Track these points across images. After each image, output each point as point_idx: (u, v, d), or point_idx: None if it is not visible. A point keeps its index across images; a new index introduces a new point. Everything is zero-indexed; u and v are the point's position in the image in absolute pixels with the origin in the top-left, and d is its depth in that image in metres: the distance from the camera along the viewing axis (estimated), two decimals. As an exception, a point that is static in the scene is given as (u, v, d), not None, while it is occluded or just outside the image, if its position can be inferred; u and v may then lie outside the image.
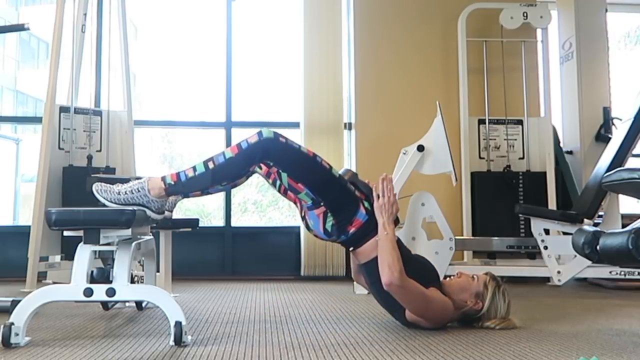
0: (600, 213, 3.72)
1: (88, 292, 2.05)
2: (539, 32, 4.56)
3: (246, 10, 5.06)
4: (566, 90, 4.66)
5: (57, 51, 3.83)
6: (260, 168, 2.35)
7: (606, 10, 4.61)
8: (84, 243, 2.09)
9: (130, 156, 4.14)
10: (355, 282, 3.53)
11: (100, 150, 4.10)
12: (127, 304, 2.87)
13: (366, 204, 2.36)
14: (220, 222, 4.86)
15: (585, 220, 3.47)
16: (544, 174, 4.33)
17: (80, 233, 2.09)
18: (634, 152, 3.66)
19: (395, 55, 4.66)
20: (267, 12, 5.61)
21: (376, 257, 2.28)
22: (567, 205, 4.16)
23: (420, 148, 3.42)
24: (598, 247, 1.85)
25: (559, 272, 3.48)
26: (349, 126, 4.70)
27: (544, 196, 4.26)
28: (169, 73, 7.02)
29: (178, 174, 2.17)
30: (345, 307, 2.97)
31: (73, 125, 4.00)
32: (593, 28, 4.57)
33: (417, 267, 2.33)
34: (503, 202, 4.21)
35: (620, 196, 3.77)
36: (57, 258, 3.89)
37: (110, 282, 2.10)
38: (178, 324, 2.00)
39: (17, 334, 1.98)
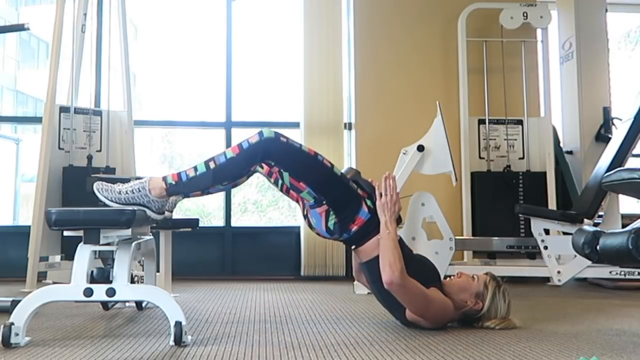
0: (600, 213, 3.72)
1: (88, 292, 2.05)
2: (539, 32, 4.56)
3: (246, 10, 5.06)
4: (566, 90, 4.66)
5: (57, 51, 3.83)
6: (262, 167, 2.35)
7: (606, 10, 4.61)
8: (84, 243, 2.09)
9: (130, 156, 4.14)
10: (355, 282, 3.54)
11: (100, 150, 4.10)
12: (127, 304, 2.87)
13: (369, 202, 2.36)
14: (220, 222, 4.87)
15: (585, 220, 3.47)
16: (544, 174, 4.33)
17: (80, 233, 2.09)
18: (634, 152, 3.67)
19: (395, 55, 4.66)
20: (267, 12, 5.61)
21: (378, 256, 2.28)
22: (567, 205, 4.16)
23: (420, 148, 3.42)
24: (598, 247, 1.85)
25: (559, 272, 3.48)
26: (349, 126, 4.71)
27: (544, 196, 4.27)
28: (169, 73, 7.02)
29: (179, 174, 2.17)
30: (345, 307, 2.97)
31: (73, 125, 4.00)
32: (593, 28, 4.57)
33: (418, 267, 2.33)
34: (503, 202, 4.21)
35: (620, 196, 3.78)
36: (57, 258, 3.89)
37: (110, 282, 2.10)
38: (178, 324, 2.00)
39: (17, 334, 1.98)
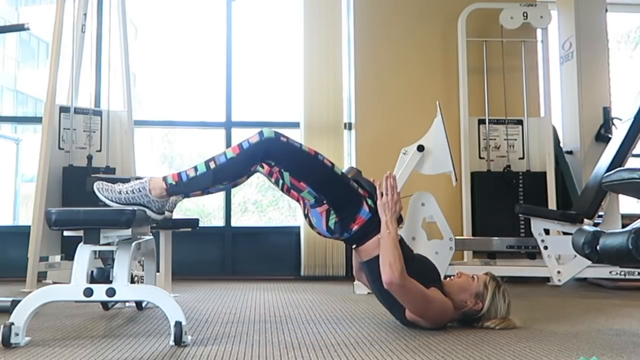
0: (600, 213, 3.72)
1: (88, 292, 2.05)
2: (539, 32, 4.56)
3: (246, 10, 5.06)
4: (566, 90, 4.66)
5: (57, 51, 3.83)
6: (262, 167, 2.35)
7: (606, 10, 4.61)
8: (84, 243, 2.09)
9: (130, 156, 4.14)
10: (355, 282, 3.54)
11: (100, 150, 4.10)
12: (127, 304, 2.87)
13: (369, 202, 2.36)
14: (220, 222, 4.87)
15: (585, 220, 3.47)
16: (544, 174, 4.33)
17: (80, 233, 2.09)
18: (634, 152, 3.67)
19: (395, 55, 4.66)
20: (267, 12, 5.61)
21: (378, 256, 2.28)
22: (567, 205, 4.16)
23: (420, 148, 3.42)
24: (598, 247, 1.85)
25: (559, 272, 3.48)
26: (349, 126, 4.71)
27: (544, 196, 4.26)
28: (169, 73, 7.02)
29: (179, 174, 2.18)
30: (345, 307, 2.97)
31: (73, 125, 4.00)
32: (593, 28, 4.57)
33: (418, 267, 2.33)
34: (503, 202, 4.21)
35: (620, 196, 3.78)
36: (57, 258, 3.89)
37: (110, 282, 2.10)
38: (178, 324, 2.00)
39: (17, 334, 1.98)
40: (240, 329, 2.35)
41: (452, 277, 2.46)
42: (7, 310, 2.37)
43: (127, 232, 2.11)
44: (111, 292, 2.06)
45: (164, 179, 2.17)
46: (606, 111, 4.48)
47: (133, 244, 2.23)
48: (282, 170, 2.28)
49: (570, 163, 4.53)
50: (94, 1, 4.38)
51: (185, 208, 5.64)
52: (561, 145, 4.61)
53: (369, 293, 3.19)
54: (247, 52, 5.25)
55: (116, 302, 2.63)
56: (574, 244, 2.01)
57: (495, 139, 4.51)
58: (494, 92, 4.57)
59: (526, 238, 3.94)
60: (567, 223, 3.50)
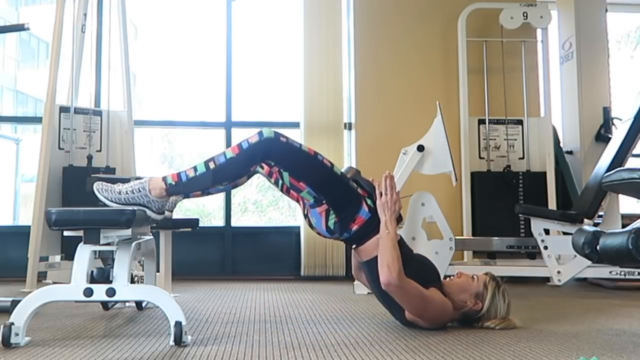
0: (600, 213, 3.72)
1: (88, 292, 2.05)
2: (539, 32, 4.56)
3: (246, 10, 5.06)
4: (566, 90, 4.66)
5: (57, 51, 3.83)
6: (262, 167, 2.35)
7: (606, 10, 4.61)
8: (84, 243, 2.09)
9: (130, 156, 4.14)
10: (355, 282, 3.54)
11: (100, 150, 4.10)
12: (127, 304, 2.87)
13: (369, 202, 2.36)
14: (220, 222, 4.87)
15: (585, 220, 3.47)
16: (544, 174, 4.33)
17: (80, 233, 2.09)
18: (634, 152, 3.67)
19: (395, 55, 4.66)
20: (267, 12, 5.61)
21: (378, 256, 2.28)
22: (567, 205, 4.16)
23: (420, 148, 3.42)
24: (598, 247, 1.85)
25: (559, 272, 3.48)
26: (349, 126, 4.71)
27: (544, 196, 4.27)
28: (169, 73, 7.02)
29: (179, 174, 2.17)
30: (345, 307, 2.97)
31: (73, 125, 4.00)
32: (593, 28, 4.57)
33: (417, 267, 2.33)
34: (503, 202, 4.21)
35: (620, 196, 3.77)
36: (57, 258, 3.89)
37: (110, 282, 2.10)
38: (178, 324, 2.00)
39: (17, 334, 1.98)
40: (240, 329, 2.35)
41: (452, 277, 2.46)
42: (7, 310, 2.37)
43: (127, 232, 2.11)
44: (111, 292, 2.06)
45: (164, 179, 2.17)
46: (606, 111, 4.48)
47: (133, 244, 2.23)
48: (282, 170, 2.28)
49: (570, 163, 4.53)
50: (94, 1, 4.38)
51: (185, 208, 5.64)
52: (561, 145, 4.61)
53: (369, 293, 3.19)
54: (247, 52, 5.25)
55: (116, 302, 2.63)
56: (574, 244, 2.01)
57: (495, 139, 4.51)
58: (494, 92, 4.57)
59: (526, 238, 3.94)
60: (567, 223, 3.50)
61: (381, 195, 2.34)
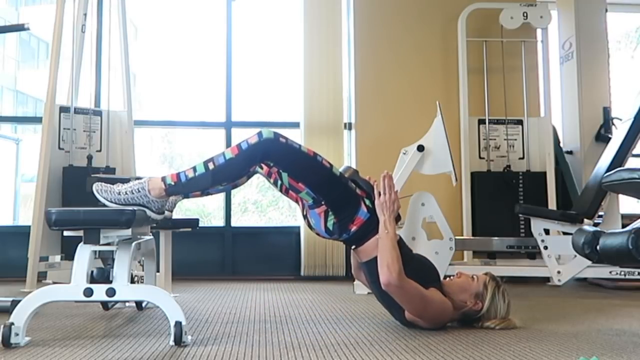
0: (600, 213, 3.72)
1: (88, 292, 2.05)
2: (539, 32, 4.56)
3: (246, 10, 5.07)
4: (566, 90, 4.66)
5: (57, 51, 3.83)
6: (261, 168, 2.35)
7: (606, 10, 4.61)
8: (84, 243, 2.09)
9: (130, 156, 4.14)
10: (355, 282, 3.54)
11: (100, 150, 4.10)
12: (127, 304, 2.87)
13: (367, 202, 2.36)
14: (220, 222, 4.86)
15: (585, 220, 3.47)
16: (544, 174, 4.33)
17: (80, 233, 2.09)
18: (634, 152, 3.67)
19: (395, 55, 4.66)
20: (267, 12, 5.61)
21: (377, 256, 2.27)
22: (567, 205, 4.16)
23: (420, 148, 3.42)
24: (598, 247, 1.85)
25: (559, 272, 3.48)
26: (349, 126, 4.70)
27: (544, 196, 4.26)
28: (169, 73, 7.03)
29: (178, 175, 2.17)
30: (345, 307, 2.97)
31: (73, 125, 4.00)
32: (593, 28, 4.57)
33: (417, 267, 2.33)
34: (503, 202, 4.21)
35: (620, 196, 3.77)
36: (57, 258, 3.89)
37: (110, 282, 2.10)
38: (178, 324, 2.00)
39: (17, 334, 1.98)
40: (240, 329, 2.35)
41: (451, 277, 2.46)
42: (7, 310, 2.37)
43: (127, 232, 2.11)
44: (111, 292, 2.06)
45: (163, 179, 2.17)
46: (606, 111, 4.48)
47: (133, 244, 2.23)
48: (281, 171, 2.27)
49: (570, 163, 4.53)
50: (94, 1, 4.38)
51: (185, 208, 5.64)
52: (561, 145, 4.61)
53: (369, 293, 3.18)
54: (247, 52, 5.25)
55: (116, 302, 2.63)
56: (574, 244, 2.01)
57: (495, 139, 4.51)
58: (494, 92, 4.57)
59: (526, 238, 3.94)
60: (567, 223, 3.50)
61: (379, 195, 2.34)
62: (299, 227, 4.57)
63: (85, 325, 2.41)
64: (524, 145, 4.49)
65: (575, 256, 3.37)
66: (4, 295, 3.18)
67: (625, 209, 3.98)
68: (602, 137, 4.38)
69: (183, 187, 2.17)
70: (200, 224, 3.44)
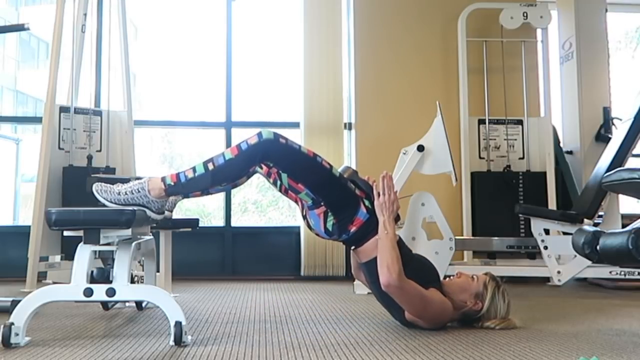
0: (600, 213, 3.72)
1: (88, 292, 2.05)
2: (539, 32, 4.56)
3: (246, 10, 5.07)
4: (566, 90, 4.66)
5: (57, 51, 3.83)
6: (261, 168, 2.35)
7: (606, 10, 4.61)
8: (84, 243, 2.09)
9: (130, 156, 4.14)
10: (355, 282, 3.54)
11: (100, 150, 4.10)
12: (127, 304, 2.87)
13: (367, 203, 2.35)
14: (220, 222, 4.86)
15: (585, 220, 3.47)
16: (544, 174, 4.33)
17: (80, 233, 2.09)
18: (634, 152, 3.66)
19: (395, 55, 4.66)
20: (267, 12, 5.61)
21: (377, 257, 2.27)
22: (567, 205, 4.16)
23: (420, 148, 3.42)
24: (598, 247, 1.85)
25: (559, 272, 3.48)
26: (349, 126, 4.70)
27: (544, 196, 4.26)
28: (169, 73, 7.03)
29: (178, 175, 2.17)
30: (345, 307, 2.97)
31: (73, 125, 4.00)
32: (593, 28, 4.57)
33: (417, 267, 2.33)
34: (503, 202, 4.21)
35: (620, 196, 3.77)
36: (57, 258, 3.89)
37: (110, 282, 2.10)
38: (178, 324, 2.00)
39: (17, 334, 1.98)
40: (240, 329, 2.35)
41: (451, 277, 2.46)
42: (7, 310, 2.38)
43: (127, 232, 2.11)
44: (111, 292, 2.06)
45: (163, 179, 2.16)
46: (606, 111, 4.48)
47: (133, 244, 2.23)
48: (281, 171, 2.27)
49: (570, 163, 4.53)
50: (94, 1, 4.38)
51: (185, 208, 5.64)
52: (561, 145, 4.61)
53: (369, 293, 3.18)
54: (247, 52, 5.25)
55: (116, 302, 2.63)
56: (574, 244, 2.01)
57: (495, 139, 4.51)
58: (494, 92, 4.57)
59: (526, 238, 3.94)
60: (567, 223, 3.50)
61: (379, 195, 2.34)
62: (299, 227, 4.57)
63: (85, 325, 2.41)
64: (524, 145, 4.49)
65: (575, 256, 3.37)
66: (4, 295, 3.18)
67: (625, 209, 3.98)
68: (602, 137, 4.38)
69: (183, 187, 2.17)
70: (200, 224, 3.44)
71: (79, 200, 2.67)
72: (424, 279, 2.28)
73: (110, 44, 4.14)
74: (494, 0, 4.56)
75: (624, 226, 2.14)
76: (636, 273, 3.44)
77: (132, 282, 2.42)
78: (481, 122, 4.53)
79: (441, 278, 2.52)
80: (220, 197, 4.83)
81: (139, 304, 2.81)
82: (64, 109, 3.98)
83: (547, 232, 3.59)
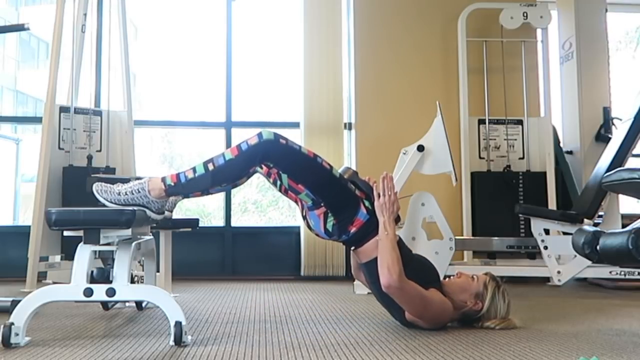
0: (600, 213, 3.72)
1: (88, 292, 2.05)
2: (539, 32, 4.56)
3: (246, 10, 5.07)
4: (566, 90, 4.66)
5: (57, 51, 3.83)
6: (261, 168, 2.35)
7: (606, 10, 4.61)
8: (84, 243, 2.09)
9: (130, 156, 4.14)
10: (355, 282, 3.54)
11: (100, 150, 4.10)
12: (127, 304, 2.87)
13: (367, 203, 2.35)
14: (220, 222, 4.86)
15: (585, 220, 3.47)
16: (544, 174, 4.33)
17: (80, 233, 2.09)
18: (634, 152, 3.66)
19: (395, 55, 4.66)
20: (267, 12, 5.61)
21: (377, 257, 2.27)
22: (567, 205, 4.16)
23: (420, 148, 3.42)
24: (598, 247, 1.85)
25: (559, 272, 3.48)
26: (349, 126, 4.70)
27: (544, 196, 4.26)
28: (169, 73, 7.03)
29: (178, 175, 2.17)
30: (345, 307, 2.97)
31: (73, 125, 4.00)
32: (593, 28, 4.57)
33: (417, 268, 2.33)
34: (503, 202, 4.21)
35: (620, 196, 3.77)
36: (57, 258, 3.89)
37: (110, 282, 2.10)
38: (178, 324, 2.00)
39: (17, 334, 1.98)
40: (240, 329, 2.35)
41: (451, 277, 2.46)
42: (7, 310, 2.38)
43: (127, 232, 2.11)
44: (111, 292, 2.06)
45: (163, 180, 2.16)
46: (606, 111, 4.48)
47: (133, 244, 2.23)
48: (281, 172, 2.27)
49: (570, 163, 4.53)
50: (94, 1, 4.38)
51: (186, 208, 5.65)
52: (561, 145, 4.61)
53: (369, 293, 3.18)
54: (247, 52, 5.25)
55: (116, 302, 2.63)
56: (574, 244, 2.01)
57: (495, 139, 4.51)
58: (494, 92, 4.57)
59: (526, 238, 3.94)
60: (567, 223, 3.50)
61: (379, 196, 2.34)
62: (299, 227, 4.57)
63: (85, 325, 2.41)
64: (524, 145, 4.49)
65: (575, 256, 3.37)
66: (4, 295, 3.18)
67: (625, 209, 3.98)
68: (602, 137, 4.38)
69: (183, 187, 2.17)
70: (200, 224, 3.44)
71: (79, 200, 2.67)
72: (424, 279, 2.28)
73: (110, 44, 4.14)
74: (494, 0, 4.56)
75: (624, 226, 2.14)
76: (636, 273, 3.44)
77: (132, 282, 2.42)
78: (481, 122, 4.53)
79: (441, 278, 2.52)
80: (220, 197, 4.83)
81: (139, 304, 2.81)
82: (64, 109, 3.98)
83: (547, 232, 3.59)
